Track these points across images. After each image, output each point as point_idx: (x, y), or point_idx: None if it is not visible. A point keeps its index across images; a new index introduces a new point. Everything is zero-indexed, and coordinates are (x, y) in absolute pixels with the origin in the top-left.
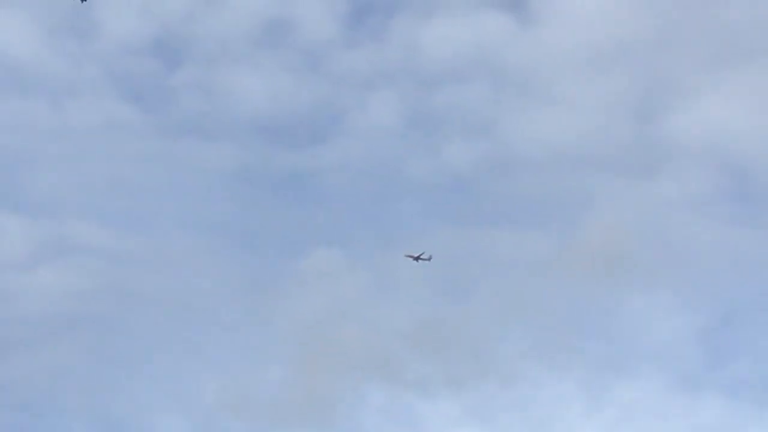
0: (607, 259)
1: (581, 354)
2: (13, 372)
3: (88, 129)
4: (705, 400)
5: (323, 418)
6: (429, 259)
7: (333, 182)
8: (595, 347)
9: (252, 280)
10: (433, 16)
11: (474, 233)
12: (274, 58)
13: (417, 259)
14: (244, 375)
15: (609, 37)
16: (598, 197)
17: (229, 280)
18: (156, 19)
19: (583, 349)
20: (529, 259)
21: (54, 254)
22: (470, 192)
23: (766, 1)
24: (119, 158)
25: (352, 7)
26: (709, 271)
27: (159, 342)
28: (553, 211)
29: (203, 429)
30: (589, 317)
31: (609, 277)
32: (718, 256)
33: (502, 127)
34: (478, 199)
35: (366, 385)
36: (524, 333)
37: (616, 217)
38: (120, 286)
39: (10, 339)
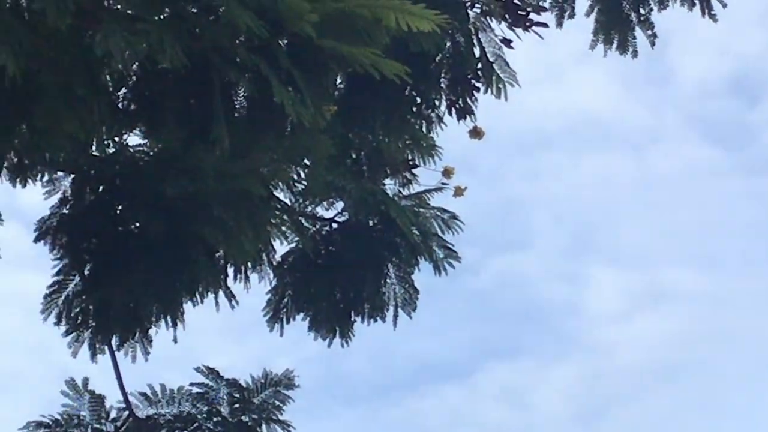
0: None
1: None
2: (614, 424)
3: (671, 175)
4: None
5: None
6: None
7: None
8: None
9: None
10: None
11: None
12: None
13: None
14: None
15: None
16: None
17: None
18: (731, 57)
19: None
20: None
21: (648, 303)
22: None
23: None
24: (704, 201)
25: None
26: None
27: (762, 385)
28: None
29: None
30: None
31: None
32: None
33: None
34: None
35: None
36: None
37: None
38: (716, 330)
39: (610, 392)
